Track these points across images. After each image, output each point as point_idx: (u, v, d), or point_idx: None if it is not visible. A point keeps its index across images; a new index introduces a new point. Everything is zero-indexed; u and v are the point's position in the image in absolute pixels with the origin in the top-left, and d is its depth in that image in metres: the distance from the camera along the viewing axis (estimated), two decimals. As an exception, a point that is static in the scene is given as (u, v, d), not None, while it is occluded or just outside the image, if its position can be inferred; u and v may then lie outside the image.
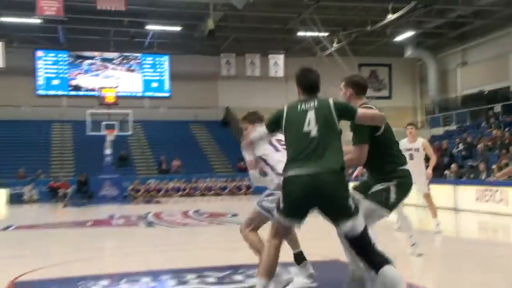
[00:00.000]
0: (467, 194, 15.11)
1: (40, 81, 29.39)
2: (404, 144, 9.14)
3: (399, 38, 27.40)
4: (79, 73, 29.93)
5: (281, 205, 4.02)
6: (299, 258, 5.19)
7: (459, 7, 23.17)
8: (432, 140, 23.63)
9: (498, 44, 26.56)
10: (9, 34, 26.05)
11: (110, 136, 25.51)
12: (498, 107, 24.90)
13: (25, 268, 6.36)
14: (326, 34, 26.11)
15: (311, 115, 4.09)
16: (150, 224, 12.46)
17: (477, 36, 27.66)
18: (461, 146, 21.29)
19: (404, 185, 4.45)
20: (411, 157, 9.09)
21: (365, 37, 26.78)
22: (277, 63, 30.56)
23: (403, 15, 22.72)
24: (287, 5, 23.23)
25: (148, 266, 5.71)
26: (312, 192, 3.88)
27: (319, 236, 9.85)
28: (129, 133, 27.15)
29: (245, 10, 21.77)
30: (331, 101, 4.21)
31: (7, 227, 12.54)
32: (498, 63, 26.54)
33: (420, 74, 32.81)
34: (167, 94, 30.64)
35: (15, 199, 23.41)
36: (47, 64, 29.61)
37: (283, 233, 4.25)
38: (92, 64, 30.12)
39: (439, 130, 26.93)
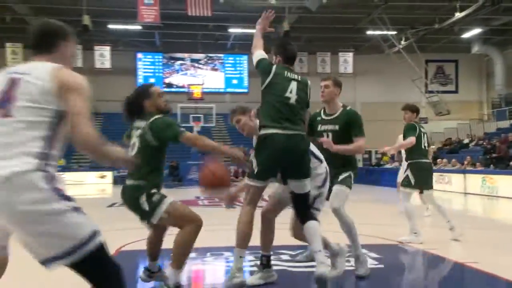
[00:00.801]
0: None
1: (140, 79, 30.62)
2: None
3: (466, 35, 26.32)
4: (171, 72, 31.12)
5: (257, 169, 4.11)
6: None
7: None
8: (498, 132, 22.64)
9: None
10: (114, 39, 27.46)
11: (197, 127, 26.46)
12: None
13: (128, 239, 6.75)
14: (394, 32, 25.54)
15: (293, 85, 4.29)
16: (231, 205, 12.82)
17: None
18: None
19: (356, 173, 4.93)
20: None
21: (432, 34, 25.92)
22: (347, 61, 30.22)
23: (471, 13, 21.78)
24: (357, 5, 22.92)
25: (230, 243, 5.93)
26: (289, 149, 4.04)
27: (383, 222, 9.84)
28: (213, 124, 27.92)
29: (317, 12, 21.71)
30: (309, 82, 4.55)
31: (113, 204, 13.36)
32: None
33: (486, 70, 31.42)
34: (245, 90, 31.05)
35: (119, 181, 24.67)
36: (145, 65, 31.06)
37: (257, 200, 4.28)
38: (182, 64, 31.20)
39: (505, 123, 25.70)
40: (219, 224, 7.72)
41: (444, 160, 22.96)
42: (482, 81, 31.96)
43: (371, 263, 5.24)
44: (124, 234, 7.37)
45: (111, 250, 5.86)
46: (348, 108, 5.03)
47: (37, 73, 2.27)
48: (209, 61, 31.29)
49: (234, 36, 27.87)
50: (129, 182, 3.97)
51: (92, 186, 23.21)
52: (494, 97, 30.40)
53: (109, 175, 25.02)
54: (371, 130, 33.52)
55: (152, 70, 30.99)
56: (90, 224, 2.26)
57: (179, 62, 31.20)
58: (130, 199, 3.95)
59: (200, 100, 29.37)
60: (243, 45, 29.71)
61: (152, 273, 4.32)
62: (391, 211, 11.44)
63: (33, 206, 2.09)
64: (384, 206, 13.96)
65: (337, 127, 4.85)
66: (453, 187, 19.12)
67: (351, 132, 4.80)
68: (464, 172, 19.04)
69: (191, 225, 3.82)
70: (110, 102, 29.89)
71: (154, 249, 4.35)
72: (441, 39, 27.74)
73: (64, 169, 25.78)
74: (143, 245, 6.28)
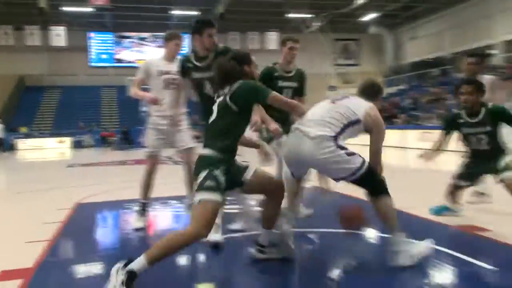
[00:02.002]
0: (412, 136, 15.29)
1: (92, 56, 29.35)
2: None
3: (365, 18, 26.88)
4: (121, 49, 29.87)
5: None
6: None
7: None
8: (388, 96, 23.55)
9: (438, 23, 26.37)
10: (69, 20, 25.81)
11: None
12: (437, 71, 24.98)
13: (86, 193, 6.54)
14: (309, 15, 25.61)
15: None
16: (176, 162, 12.63)
17: (422, 17, 27.26)
18: (409, 101, 21.31)
19: None
20: None
21: (339, 17, 26.25)
22: (273, 38, 30.29)
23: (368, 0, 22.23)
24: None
25: (175, 193, 5.83)
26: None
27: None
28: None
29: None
30: None
31: (72, 165, 12.78)
32: (437, 38, 26.29)
33: (380, 46, 32.36)
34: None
35: (76, 145, 23.75)
36: (97, 43, 29.54)
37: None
38: (131, 42, 29.98)
39: (393, 89, 26.83)
40: (165, 178, 7.60)
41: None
42: (378, 55, 32.93)
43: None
44: (82, 189, 7.12)
45: (70, 203, 5.66)
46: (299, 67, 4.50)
47: None
48: (155, 40, 30.18)
49: (176, 16, 26.92)
50: (204, 150, 2.99)
51: (53, 150, 22.08)
52: (385, 69, 31.56)
53: (67, 140, 23.94)
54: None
55: (103, 48, 29.63)
56: (360, 159, 3.01)
57: (127, 40, 29.92)
58: (196, 169, 2.97)
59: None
60: (185, 25, 28.87)
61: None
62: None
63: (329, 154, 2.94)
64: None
65: (295, 84, 4.36)
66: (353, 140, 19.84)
67: (301, 90, 4.36)
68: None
69: (193, 230, 2.75)
70: (66, 76, 28.78)
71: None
72: (346, 22, 28.14)
73: (27, 136, 24.40)
74: (98, 199, 6.17)
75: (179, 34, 4.50)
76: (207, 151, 2.88)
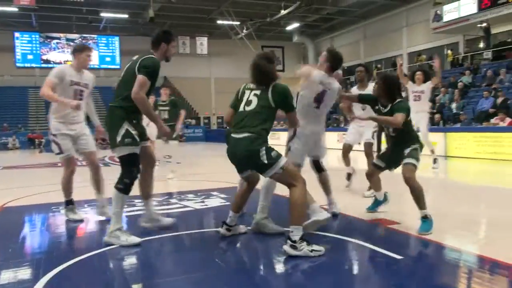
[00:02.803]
0: (331, 137, 15.96)
1: (18, 56, 27.43)
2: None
3: (289, 27, 27.61)
4: (48, 50, 28.08)
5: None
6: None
7: (328, 7, 23.63)
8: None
9: (354, 34, 27.68)
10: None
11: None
12: (353, 78, 26.14)
13: (12, 197, 6.13)
14: (238, 23, 25.80)
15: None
16: (106, 164, 12.16)
17: (340, 28, 28.54)
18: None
19: None
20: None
21: (266, 26, 26.73)
22: (202, 44, 30.07)
23: (292, 11, 22.86)
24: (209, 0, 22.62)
25: (106, 195, 5.62)
26: None
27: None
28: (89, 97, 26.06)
29: (178, 3, 20.98)
30: None
31: (-5, 168, 11.81)
32: (354, 48, 27.62)
33: (303, 54, 33.42)
34: (118, 66, 29.21)
35: (1, 147, 21.92)
36: (23, 43, 27.67)
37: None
38: (58, 43, 28.26)
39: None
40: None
41: (275, 122, 24.20)
42: (300, 62, 33.98)
43: (220, 202, 5.36)
44: (7, 192, 6.64)
45: (-6, 208, 5.21)
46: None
47: None
48: (84, 41, 28.67)
49: (106, 19, 25.82)
50: (242, 134, 3.30)
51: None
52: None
53: None
54: (222, 101, 33.88)
55: (30, 48, 27.66)
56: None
57: (55, 41, 28.20)
58: (247, 150, 3.25)
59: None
60: (115, 27, 27.85)
61: (230, 227, 3.69)
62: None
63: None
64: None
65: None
66: (280, 141, 20.30)
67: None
68: (287, 130, 20.21)
69: (300, 184, 3.19)
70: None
71: (242, 201, 3.76)
72: (272, 30, 28.73)
73: None
74: (24, 202, 5.79)
75: (90, 47, 4.70)
76: (250, 133, 3.29)
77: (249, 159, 3.27)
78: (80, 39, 28.54)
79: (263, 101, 3.38)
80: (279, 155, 3.25)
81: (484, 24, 17.81)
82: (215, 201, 5.43)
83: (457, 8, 18.19)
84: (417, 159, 3.91)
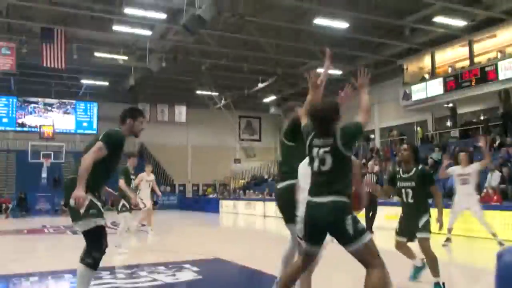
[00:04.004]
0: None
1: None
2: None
3: (266, 100, 28.64)
4: (25, 114, 27.98)
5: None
6: None
7: (303, 83, 24.76)
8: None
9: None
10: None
11: (47, 163, 24.17)
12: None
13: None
14: (216, 93, 26.65)
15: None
16: (75, 232, 11.77)
17: (317, 101, 29.66)
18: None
19: None
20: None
21: (243, 97, 27.65)
22: (181, 112, 30.77)
23: (269, 84, 23.91)
24: (189, 71, 23.44)
25: (72, 266, 5.43)
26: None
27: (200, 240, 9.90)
28: (62, 161, 25.68)
29: (158, 73, 21.66)
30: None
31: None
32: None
33: (280, 125, 34.29)
34: (94, 131, 29.16)
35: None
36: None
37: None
38: (36, 107, 28.28)
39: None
40: (62, 250, 7.02)
41: (251, 191, 24.26)
42: (276, 133, 34.81)
43: (193, 276, 5.24)
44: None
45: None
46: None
47: None
48: (62, 106, 28.87)
49: (86, 86, 26.28)
50: (327, 198, 2.98)
51: None
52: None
53: None
54: (199, 168, 33.71)
55: (5, 111, 27.50)
56: None
57: (32, 105, 28.17)
58: (334, 217, 2.94)
59: (51, 139, 26.77)
60: (94, 94, 28.27)
61: None
62: (212, 231, 11.60)
63: None
64: (208, 228, 14.14)
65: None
66: (256, 211, 20.20)
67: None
68: (264, 200, 20.25)
69: (379, 266, 2.90)
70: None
71: (293, 277, 3.22)
72: (249, 101, 29.69)
73: None
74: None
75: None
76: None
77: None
78: (58, 104, 28.71)
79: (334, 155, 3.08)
80: (364, 229, 2.98)
81: (451, 105, 18.99)
82: (187, 275, 5.31)
83: (425, 88, 19.43)
84: (430, 232, 4.37)
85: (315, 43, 19.05)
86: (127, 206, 7.53)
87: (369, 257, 2.93)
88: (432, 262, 4.23)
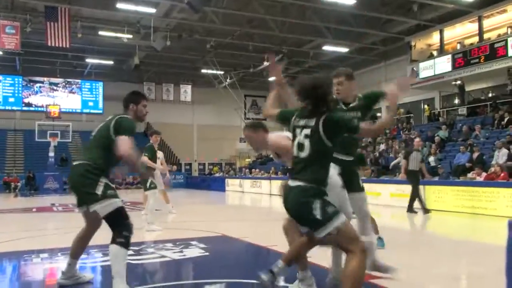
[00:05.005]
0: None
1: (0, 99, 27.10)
2: None
3: (272, 78, 28.35)
4: (30, 93, 28.03)
5: None
6: None
7: (309, 61, 24.54)
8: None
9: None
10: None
11: (54, 142, 24.35)
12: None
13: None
14: (222, 72, 26.46)
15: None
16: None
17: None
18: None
19: None
20: None
21: (249, 76, 27.47)
22: (186, 91, 30.63)
23: (275, 62, 23.62)
24: (194, 49, 23.26)
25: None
26: None
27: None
28: (69, 140, 25.87)
29: (163, 51, 21.50)
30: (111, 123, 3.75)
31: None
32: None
33: (285, 104, 34.09)
34: (100, 111, 29.27)
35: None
36: (5, 86, 27.43)
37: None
38: (41, 87, 28.32)
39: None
40: (70, 227, 7.10)
41: (257, 170, 24.34)
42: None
43: (199, 252, 5.31)
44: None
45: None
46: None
47: None
48: (67, 85, 28.88)
49: (91, 65, 26.20)
50: (297, 183, 2.83)
51: None
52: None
53: None
54: (205, 147, 33.70)
55: (11, 91, 27.54)
56: None
57: (38, 84, 28.24)
58: (298, 202, 2.79)
59: (57, 118, 26.88)
60: (99, 73, 28.21)
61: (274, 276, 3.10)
62: (218, 209, 11.69)
63: None
64: (215, 206, 14.28)
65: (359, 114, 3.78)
66: (262, 189, 20.32)
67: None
68: (270, 178, 20.34)
69: (358, 252, 2.70)
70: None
71: (295, 255, 3.16)
72: (255, 80, 29.51)
73: None
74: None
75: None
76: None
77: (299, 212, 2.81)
78: (63, 83, 28.71)
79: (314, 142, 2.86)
80: (336, 212, 2.75)
81: (459, 82, 18.75)
82: (194, 251, 5.37)
83: (432, 66, 19.16)
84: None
85: (321, 20, 18.76)
86: (155, 183, 7.63)
87: (344, 242, 2.74)
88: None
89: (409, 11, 18.27)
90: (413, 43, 20.43)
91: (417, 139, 11.10)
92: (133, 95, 3.88)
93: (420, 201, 10.10)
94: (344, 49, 22.38)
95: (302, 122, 2.94)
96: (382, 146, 17.94)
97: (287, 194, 2.86)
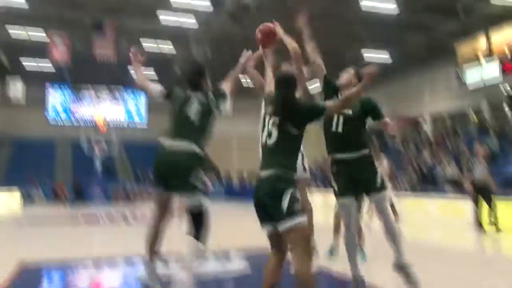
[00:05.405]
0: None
1: (50, 110, 28.35)
2: None
3: (312, 86, 28.08)
4: (78, 104, 29.07)
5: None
6: None
7: (349, 64, 24.04)
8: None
9: (374, 93, 27.40)
10: (28, 75, 25.14)
11: (100, 153, 25.27)
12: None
13: (32, 253, 6.08)
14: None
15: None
16: (127, 220, 12.18)
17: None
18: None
19: None
20: None
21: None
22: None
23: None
24: (234, 60, 23.35)
25: (128, 252, 5.55)
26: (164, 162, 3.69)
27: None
28: (114, 151, 26.73)
29: (203, 62, 21.68)
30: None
31: (18, 222, 11.93)
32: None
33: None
34: (143, 122, 29.99)
35: (27, 200, 22.24)
36: (54, 97, 28.62)
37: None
38: (88, 97, 29.32)
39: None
40: (116, 236, 7.24)
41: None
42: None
43: (241, 265, 5.21)
44: (27, 248, 6.64)
45: (13, 263, 5.21)
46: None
47: None
48: (112, 96, 29.78)
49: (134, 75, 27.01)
50: (269, 171, 2.86)
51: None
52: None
53: (16, 195, 22.11)
54: (245, 157, 33.22)
55: (60, 101, 28.78)
56: None
57: (85, 95, 29.25)
58: (271, 187, 2.80)
59: (103, 130, 27.89)
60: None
61: None
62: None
63: None
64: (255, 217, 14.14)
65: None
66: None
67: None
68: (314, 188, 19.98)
69: (305, 259, 2.72)
70: (21, 131, 27.58)
71: (273, 279, 2.89)
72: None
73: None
74: (44, 259, 5.73)
75: None
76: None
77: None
78: (109, 94, 29.53)
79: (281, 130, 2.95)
80: (301, 210, 2.78)
81: (508, 88, 17.85)
82: (235, 264, 5.31)
83: (480, 71, 18.36)
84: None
85: (362, 27, 18.45)
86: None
87: (296, 242, 2.74)
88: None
89: (454, 14, 17.62)
90: (458, 48, 19.69)
91: (481, 149, 9.48)
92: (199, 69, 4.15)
93: (490, 217, 8.84)
94: (385, 56, 21.90)
95: (269, 110, 3.02)
96: (426, 156, 17.32)
97: (259, 185, 2.88)
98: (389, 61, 22.41)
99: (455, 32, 19.05)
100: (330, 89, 4.03)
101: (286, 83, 2.99)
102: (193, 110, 3.69)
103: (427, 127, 23.30)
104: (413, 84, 23.99)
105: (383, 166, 8.25)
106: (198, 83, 3.88)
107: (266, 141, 2.98)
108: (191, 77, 3.93)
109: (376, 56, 21.93)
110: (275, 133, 2.92)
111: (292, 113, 2.92)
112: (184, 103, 3.73)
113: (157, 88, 3.98)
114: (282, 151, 2.89)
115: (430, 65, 22.00)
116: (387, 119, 3.83)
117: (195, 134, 3.62)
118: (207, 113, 3.75)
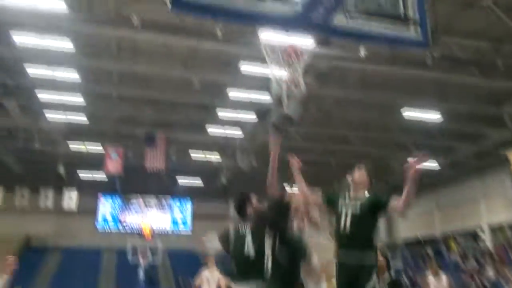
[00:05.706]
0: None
1: (99, 218, 29.10)
2: None
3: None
4: (127, 213, 29.79)
5: None
6: None
7: (395, 177, 23.55)
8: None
9: (426, 203, 26.03)
10: (82, 185, 26.47)
11: (144, 263, 25.20)
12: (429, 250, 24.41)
13: None
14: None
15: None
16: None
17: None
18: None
19: None
20: None
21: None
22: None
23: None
24: (279, 168, 23.58)
25: None
26: None
27: None
28: (159, 259, 26.53)
29: (249, 170, 21.88)
30: None
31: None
32: (427, 217, 26.07)
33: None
34: (188, 230, 30.00)
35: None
36: (106, 207, 29.55)
37: None
38: (136, 206, 30.06)
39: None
40: None
41: None
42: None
43: None
44: None
45: None
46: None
47: None
48: (159, 204, 30.45)
49: (181, 184, 27.78)
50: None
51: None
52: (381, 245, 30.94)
53: None
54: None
55: (111, 211, 29.63)
56: None
57: (133, 203, 30.06)
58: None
59: (149, 238, 28.06)
60: (187, 191, 29.45)
61: None
62: None
63: None
64: None
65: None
66: None
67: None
68: None
69: None
70: (71, 239, 28.29)
71: None
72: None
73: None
74: None
75: None
76: None
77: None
78: (156, 202, 30.23)
79: None
80: None
81: None
82: None
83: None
84: None
85: (406, 135, 18.49)
86: None
87: None
88: None
89: (501, 122, 17.35)
90: (510, 156, 18.99)
91: None
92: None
93: None
94: (433, 164, 21.45)
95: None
96: (491, 273, 15.81)
97: None
98: (437, 168, 21.87)
99: (504, 140, 18.58)
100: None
101: None
102: None
103: (486, 238, 21.63)
104: (465, 192, 22.97)
105: (442, 284, 7.49)
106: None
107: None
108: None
109: (425, 163, 21.50)
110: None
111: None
112: None
113: None
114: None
115: (482, 173, 21.21)
116: (395, 201, 4.02)
117: None
118: None
